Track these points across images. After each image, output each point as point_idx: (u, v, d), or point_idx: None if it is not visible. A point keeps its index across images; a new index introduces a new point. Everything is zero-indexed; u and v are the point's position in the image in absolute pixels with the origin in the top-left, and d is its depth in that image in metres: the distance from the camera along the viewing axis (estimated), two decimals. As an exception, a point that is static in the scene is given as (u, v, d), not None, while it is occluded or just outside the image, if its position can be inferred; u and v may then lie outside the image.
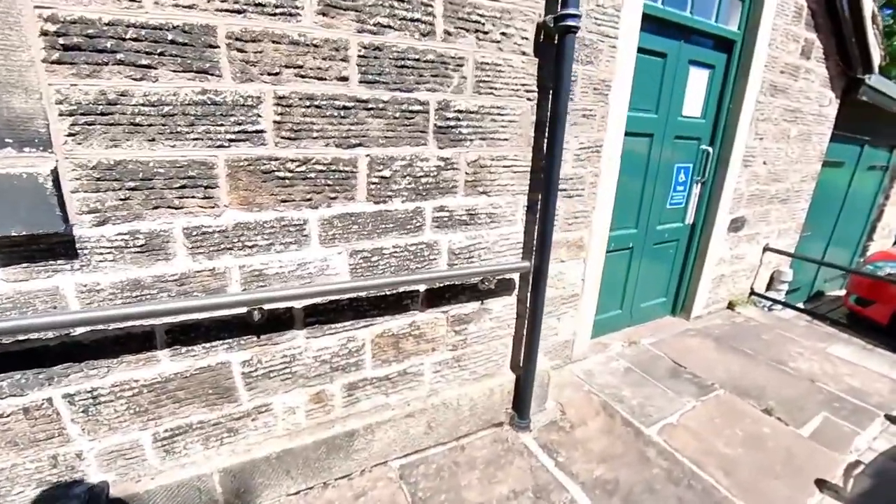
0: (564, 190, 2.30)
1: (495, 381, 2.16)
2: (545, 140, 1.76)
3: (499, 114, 1.67)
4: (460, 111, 1.59)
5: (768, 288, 4.16)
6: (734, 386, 2.73)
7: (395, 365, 1.88)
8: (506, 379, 2.18)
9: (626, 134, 2.61)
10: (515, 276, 2.01)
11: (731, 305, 3.84)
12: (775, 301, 3.86)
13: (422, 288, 1.79)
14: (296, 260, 1.53)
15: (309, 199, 1.47)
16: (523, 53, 1.65)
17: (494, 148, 1.72)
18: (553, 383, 2.56)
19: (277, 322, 1.59)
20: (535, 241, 1.90)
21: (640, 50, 2.48)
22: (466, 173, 1.69)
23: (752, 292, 3.99)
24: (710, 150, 3.15)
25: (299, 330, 1.64)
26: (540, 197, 1.82)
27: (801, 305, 4.70)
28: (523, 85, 1.69)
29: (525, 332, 2.07)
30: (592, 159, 2.36)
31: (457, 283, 1.85)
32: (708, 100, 3.04)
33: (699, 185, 3.27)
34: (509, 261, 1.94)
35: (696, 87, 2.95)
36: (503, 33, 1.58)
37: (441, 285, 1.81)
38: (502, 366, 2.18)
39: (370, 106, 1.45)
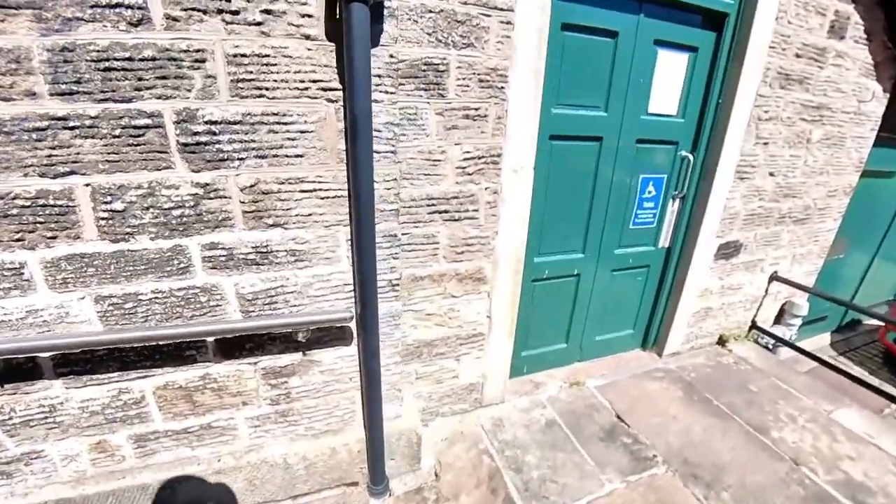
0: (445, 212, 1.86)
1: (340, 438, 1.83)
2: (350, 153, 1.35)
3: (279, 122, 1.28)
4: (214, 122, 1.22)
5: (777, 321, 3.42)
6: (683, 460, 2.20)
7: (195, 418, 1.60)
8: (355, 437, 1.84)
9: (555, 138, 2.10)
10: (350, 324, 1.63)
11: (721, 341, 3.19)
12: (779, 339, 3.15)
13: (209, 338, 1.47)
14: (23, 307, 1.27)
15: (20, 240, 1.20)
16: (307, 37, 1.23)
17: (282, 168, 1.33)
18: (446, 433, 2.19)
19: (20, 372, 1.36)
20: (354, 283, 1.51)
21: (569, 27, 1.93)
22: (243, 202, 1.33)
23: (754, 325, 3.29)
24: (691, 157, 2.51)
25: (52, 380, 1.40)
26: (352, 226, 1.42)
27: (813, 345, 3.88)
28: (315, 82, 1.28)
29: (362, 389, 1.71)
30: (487, 172, 1.88)
31: (261, 332, 1.51)
32: (688, 93, 2.39)
33: (677, 201, 2.64)
34: (335, 307, 1.57)
35: (670, 77, 2.32)
36: (266, 11, 1.17)
37: (235, 336, 1.49)
38: (350, 422, 1.84)
39: (73, 124, 1.12)
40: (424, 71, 1.65)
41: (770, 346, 3.30)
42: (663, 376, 2.88)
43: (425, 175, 1.80)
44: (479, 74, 1.73)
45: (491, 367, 2.35)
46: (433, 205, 1.86)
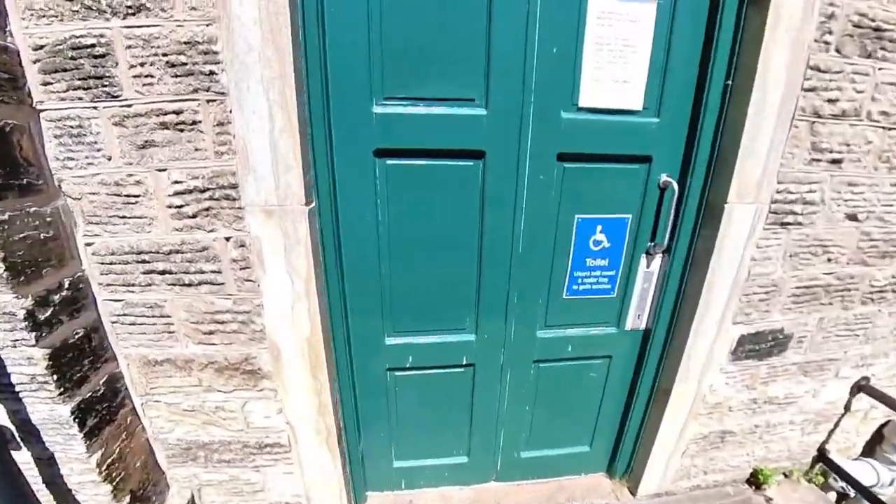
0: (168, 273, 1.14)
1: None
2: None
3: None
4: None
5: (869, 452, 2.07)
6: None
7: None
8: None
9: (388, 154, 1.25)
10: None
11: (755, 480, 1.97)
12: (865, 490, 1.84)
13: None
14: None
15: None
16: None
17: None
18: None
19: None
20: None
21: None
22: None
23: (823, 457, 2.00)
24: (675, 184, 1.44)
25: None
26: None
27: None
28: None
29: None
30: (222, 213, 1.11)
31: None
32: (664, 70, 1.35)
33: (656, 257, 1.57)
34: None
35: (622, 41, 1.30)
36: None
37: None
38: None
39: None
40: (75, 59, 0.93)
41: (850, 493, 1.98)
42: (631, 532, 1.79)
43: (121, 218, 1.10)
44: (167, 55, 0.96)
45: (315, 485, 1.54)
46: (146, 261, 1.15)
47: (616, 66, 1.33)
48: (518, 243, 1.46)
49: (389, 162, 1.28)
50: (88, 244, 1.14)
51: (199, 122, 1.04)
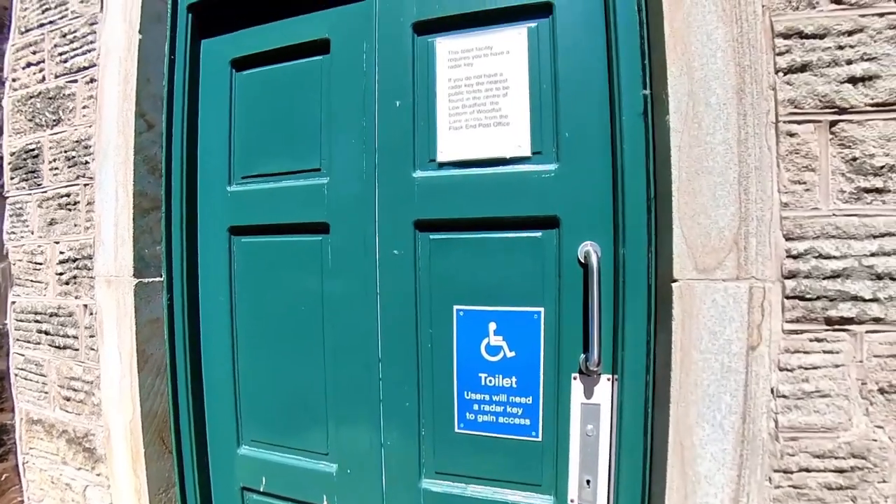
0: (48, 333, 1.34)
1: None
2: None
3: None
4: None
5: None
6: None
7: None
8: None
9: (243, 231, 1.27)
10: None
11: None
12: None
13: None
14: None
15: None
16: None
17: None
18: None
19: None
20: None
21: (245, 62, 1.27)
22: None
23: None
24: (594, 256, 0.94)
25: None
26: None
27: None
28: None
29: None
30: (82, 281, 1.27)
31: None
32: (555, 98, 1.01)
33: (600, 379, 0.97)
34: None
35: (487, 77, 1.07)
36: None
37: None
38: None
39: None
40: (26, 160, 1.37)
41: None
42: None
43: (32, 282, 1.37)
44: (67, 152, 1.28)
45: None
46: (38, 321, 1.37)
47: (484, 108, 1.05)
48: (376, 343, 1.11)
49: (244, 240, 1.24)
50: (13, 302, 1.41)
51: (79, 202, 1.26)
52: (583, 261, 0.95)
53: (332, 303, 1.14)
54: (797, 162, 0.73)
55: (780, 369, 0.74)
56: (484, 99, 1.05)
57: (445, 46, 1.07)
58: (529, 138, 1.01)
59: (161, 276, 1.17)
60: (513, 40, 1.03)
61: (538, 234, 1.00)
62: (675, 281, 0.77)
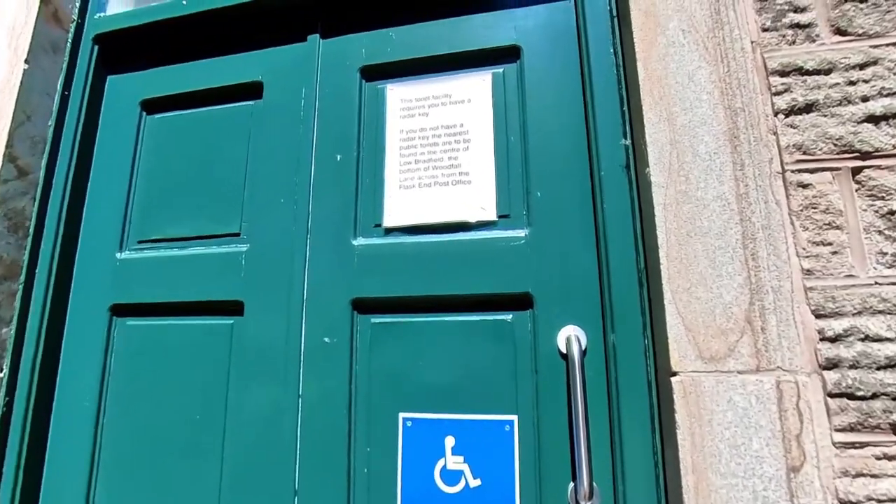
0: None
1: None
2: None
3: None
4: None
5: None
6: None
7: None
8: None
9: (130, 312, 1.22)
10: None
11: None
12: None
13: None
14: None
15: None
16: None
17: None
18: None
19: None
20: None
21: (159, 105, 1.32)
22: None
23: None
24: (577, 347, 0.87)
25: None
26: None
27: None
28: None
29: None
30: None
31: None
32: (524, 152, 1.04)
33: None
34: None
35: (445, 128, 1.11)
36: None
37: None
38: None
39: None
40: None
41: None
42: None
43: None
44: None
45: None
46: None
47: (441, 163, 1.07)
48: (293, 468, 1.00)
49: (130, 322, 1.17)
50: None
51: None
52: (564, 351, 0.88)
53: (238, 410, 1.04)
54: (816, 219, 0.70)
55: (841, 503, 0.64)
56: (441, 153, 1.06)
57: (398, 94, 1.12)
58: (495, 199, 1.01)
59: (2, 371, 1.08)
60: (475, 87, 1.08)
61: (508, 316, 0.95)
62: (674, 374, 0.70)
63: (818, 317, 0.68)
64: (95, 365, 1.12)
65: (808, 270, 0.70)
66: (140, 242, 1.19)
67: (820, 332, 0.68)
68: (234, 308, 1.10)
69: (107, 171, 1.24)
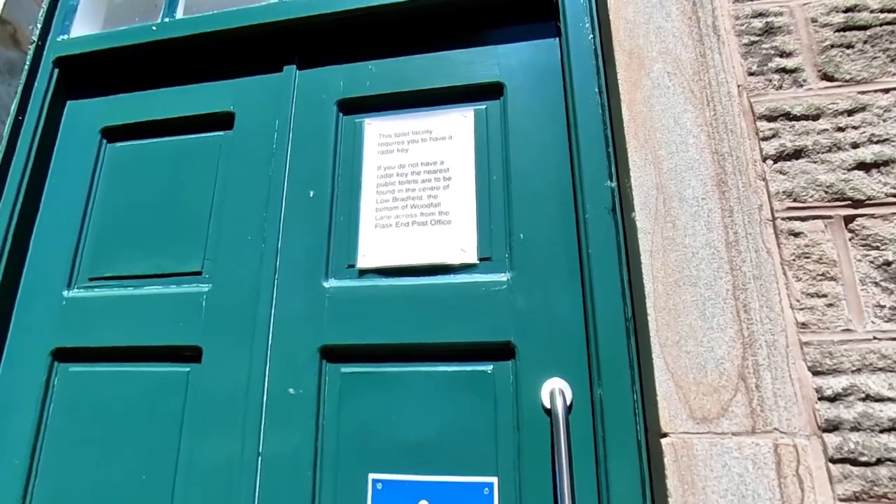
0: None
1: None
2: None
3: None
4: None
5: None
6: None
7: None
8: None
9: (74, 358, 1.16)
10: None
11: None
12: None
13: None
14: None
15: None
16: None
17: None
18: None
19: None
20: None
21: (121, 133, 1.31)
22: None
23: None
24: (560, 401, 0.85)
25: None
26: None
27: None
28: None
29: None
30: None
31: None
32: (507, 193, 1.03)
33: None
34: None
35: (425, 165, 1.11)
36: None
37: None
38: None
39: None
40: None
41: None
42: None
43: None
44: None
45: None
46: None
47: (419, 202, 1.06)
48: (248, 527, 0.94)
49: (73, 369, 1.12)
50: None
51: None
52: (548, 405, 0.86)
53: (189, 468, 0.98)
54: (809, 269, 0.70)
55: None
56: (420, 191, 1.06)
57: (376, 128, 1.12)
58: (476, 240, 1.00)
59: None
60: (457, 124, 1.08)
61: (488, 367, 0.93)
62: (664, 435, 0.68)
63: (815, 374, 0.67)
64: (30, 416, 1.06)
65: (802, 324, 0.69)
66: (91, 280, 1.15)
67: (818, 390, 0.66)
68: (191, 354, 1.06)
69: (59, 200, 1.21)
